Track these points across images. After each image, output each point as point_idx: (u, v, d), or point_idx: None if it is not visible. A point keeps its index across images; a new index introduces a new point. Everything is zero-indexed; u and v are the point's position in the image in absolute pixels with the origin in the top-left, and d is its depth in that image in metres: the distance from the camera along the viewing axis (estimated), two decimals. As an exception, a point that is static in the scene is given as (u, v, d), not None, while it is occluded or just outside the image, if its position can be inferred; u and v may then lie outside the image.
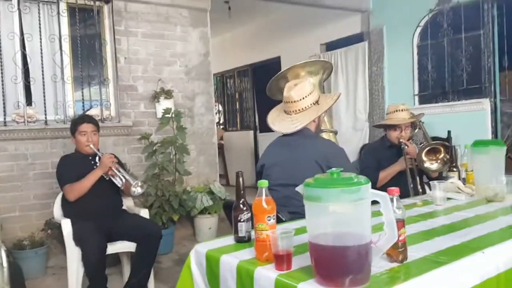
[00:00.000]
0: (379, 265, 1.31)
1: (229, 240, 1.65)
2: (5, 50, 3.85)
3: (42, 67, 3.96)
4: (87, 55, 4.25)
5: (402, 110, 3.01)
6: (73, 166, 3.09)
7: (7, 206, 3.70)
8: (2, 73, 3.81)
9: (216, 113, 8.75)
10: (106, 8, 4.34)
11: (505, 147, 2.38)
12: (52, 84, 4.07)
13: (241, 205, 1.61)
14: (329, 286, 1.16)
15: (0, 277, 2.25)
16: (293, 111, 2.30)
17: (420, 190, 2.91)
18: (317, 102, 2.33)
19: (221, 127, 8.97)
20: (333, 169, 1.24)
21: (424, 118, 4.78)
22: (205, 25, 4.81)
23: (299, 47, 6.74)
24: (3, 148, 3.75)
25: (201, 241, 1.68)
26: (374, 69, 5.96)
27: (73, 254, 2.84)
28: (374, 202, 1.20)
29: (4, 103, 3.81)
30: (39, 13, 4.01)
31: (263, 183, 1.46)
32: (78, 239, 2.83)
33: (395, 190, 1.37)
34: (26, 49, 3.98)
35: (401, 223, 1.33)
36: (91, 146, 3.12)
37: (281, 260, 1.31)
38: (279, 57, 7.16)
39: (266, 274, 1.31)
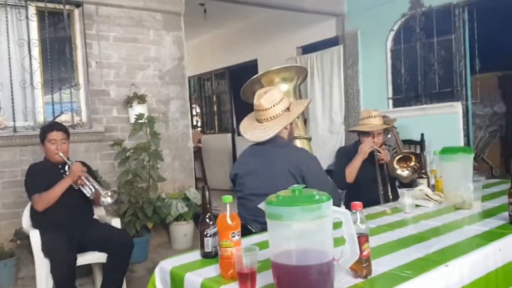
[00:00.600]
0: (343, 281, 1.31)
1: (196, 255, 1.63)
2: (-29, 55, 3.74)
3: (10, 73, 3.85)
4: (57, 59, 4.14)
5: (374, 117, 3.02)
6: (41, 175, 3.02)
7: (-25, 216, 3.60)
8: (-33, 79, 3.70)
9: (194, 116, 8.76)
10: (76, 12, 4.25)
11: (473, 155, 2.42)
12: (21, 89, 3.96)
13: (207, 219, 1.59)
14: (292, 306, 1.15)
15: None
16: (264, 119, 2.29)
17: (391, 197, 2.93)
18: (288, 109, 2.33)
19: (199, 129, 8.91)
20: (295, 185, 1.24)
21: (398, 121, 4.84)
22: (179, 29, 4.76)
23: (276, 50, 6.76)
24: (-30, 156, 3.64)
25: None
26: (349, 72, 6.00)
27: (42, 266, 2.78)
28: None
29: (-30, 110, 3.70)
30: (6, 17, 3.90)
31: (227, 198, 1.44)
32: (47, 251, 2.78)
33: (359, 204, 1.37)
34: (-6, 54, 3.87)
35: (364, 238, 1.33)
36: (61, 154, 3.05)
37: (245, 278, 1.29)
38: (256, 60, 7.17)
39: (230, 293, 1.29)
